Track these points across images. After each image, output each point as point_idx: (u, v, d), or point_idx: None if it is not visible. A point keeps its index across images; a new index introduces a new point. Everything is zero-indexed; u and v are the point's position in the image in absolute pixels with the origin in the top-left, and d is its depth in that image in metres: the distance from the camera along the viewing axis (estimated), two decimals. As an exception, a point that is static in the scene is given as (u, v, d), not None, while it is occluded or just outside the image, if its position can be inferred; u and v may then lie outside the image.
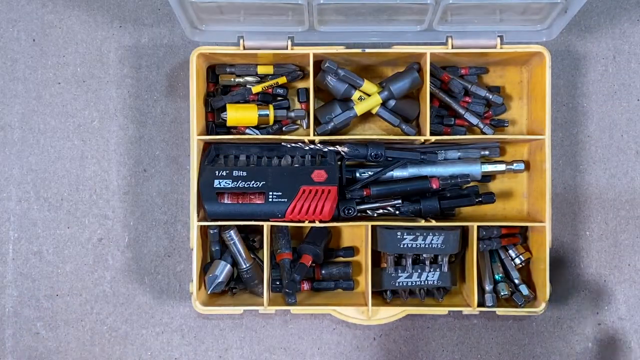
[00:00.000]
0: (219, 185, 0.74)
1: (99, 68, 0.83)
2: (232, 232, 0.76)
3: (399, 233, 0.74)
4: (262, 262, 0.76)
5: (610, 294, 0.82)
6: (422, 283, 0.77)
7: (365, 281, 0.79)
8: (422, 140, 0.77)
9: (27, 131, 0.83)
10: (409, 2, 0.71)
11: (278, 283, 0.79)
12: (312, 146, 0.77)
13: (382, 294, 0.79)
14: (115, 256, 0.83)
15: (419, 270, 0.76)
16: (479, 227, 0.77)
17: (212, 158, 0.77)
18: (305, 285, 0.80)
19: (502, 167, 0.80)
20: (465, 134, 0.80)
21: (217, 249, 0.78)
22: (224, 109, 0.78)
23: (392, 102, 0.78)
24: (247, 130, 0.79)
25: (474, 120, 0.79)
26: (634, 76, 0.83)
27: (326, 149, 0.77)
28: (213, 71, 0.80)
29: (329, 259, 0.81)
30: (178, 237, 0.82)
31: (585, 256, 0.82)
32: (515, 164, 0.80)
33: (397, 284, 0.76)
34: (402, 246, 0.75)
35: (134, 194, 0.83)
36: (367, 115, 0.80)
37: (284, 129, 0.81)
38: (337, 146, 0.77)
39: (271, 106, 0.79)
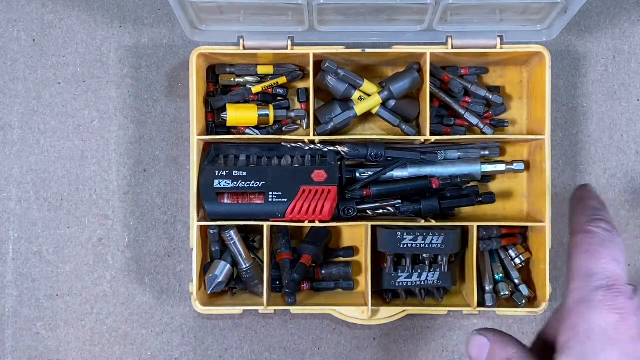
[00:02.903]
0: (219, 185, 0.74)
1: (99, 68, 0.83)
2: (232, 232, 0.76)
3: (399, 233, 0.74)
4: (262, 262, 0.76)
5: (610, 294, 0.82)
6: (422, 283, 0.77)
7: (365, 281, 0.79)
8: (422, 140, 0.77)
9: (27, 131, 0.83)
10: (409, 2, 0.71)
11: (278, 283, 0.79)
12: (312, 146, 0.77)
13: (382, 294, 0.79)
14: (115, 256, 0.83)
15: (419, 270, 0.76)
16: (479, 227, 0.77)
17: (212, 158, 0.77)
18: (305, 285, 0.80)
19: (502, 167, 0.80)
20: (465, 134, 0.80)
21: (217, 249, 0.78)
22: (224, 109, 0.78)
23: (392, 102, 0.78)
24: (247, 130, 0.79)
25: (474, 120, 0.79)
26: (634, 76, 0.83)
27: (326, 149, 0.77)
28: (213, 71, 0.80)
29: (329, 259, 0.81)
30: (178, 237, 0.83)
31: (585, 256, 0.82)
32: (515, 164, 0.80)
33: (397, 284, 0.76)
34: (402, 246, 0.75)
35: (134, 194, 0.83)
36: (367, 115, 0.80)
37: (284, 129, 0.81)
38: (337, 146, 0.77)
39: (271, 106, 0.79)
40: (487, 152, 0.80)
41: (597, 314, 0.45)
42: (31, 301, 0.82)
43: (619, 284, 0.46)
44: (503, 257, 0.79)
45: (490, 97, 0.80)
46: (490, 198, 0.79)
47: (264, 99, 0.80)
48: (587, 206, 0.52)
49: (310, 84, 0.77)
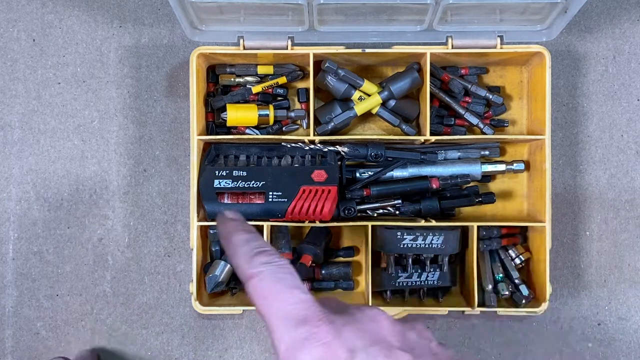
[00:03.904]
0: (219, 185, 0.74)
1: (99, 68, 0.83)
2: (232, 232, 0.76)
3: (399, 233, 0.74)
4: (262, 262, 0.76)
5: (610, 294, 0.82)
6: (422, 283, 0.77)
7: (365, 281, 0.79)
8: (422, 140, 0.77)
9: (27, 131, 0.83)
10: (409, 2, 0.71)
11: (278, 283, 0.79)
12: (312, 146, 0.77)
13: (382, 294, 0.79)
14: (115, 256, 0.83)
15: (419, 270, 0.76)
16: (479, 227, 0.77)
17: (212, 158, 0.77)
18: (306, 285, 0.79)
19: (502, 167, 0.80)
20: (465, 134, 0.80)
21: (217, 249, 0.78)
22: (224, 109, 0.78)
23: (392, 102, 0.78)
24: (247, 130, 0.79)
25: (474, 120, 0.79)
26: (634, 76, 0.83)
27: (326, 149, 0.77)
28: (213, 71, 0.80)
29: (329, 259, 0.81)
30: (178, 237, 0.83)
31: (585, 256, 0.82)
32: (515, 164, 0.80)
33: (397, 284, 0.76)
34: (402, 246, 0.75)
35: (134, 194, 0.83)
36: (367, 115, 0.80)
37: (284, 129, 0.81)
38: (337, 146, 0.77)
39: (271, 106, 0.79)
40: (487, 152, 0.80)
41: (305, 355, 0.44)
42: (31, 301, 0.82)
43: (312, 313, 0.45)
44: (503, 257, 0.79)
45: (490, 97, 0.80)
46: (490, 198, 0.79)
47: (264, 99, 0.80)
48: (237, 244, 0.50)
49: (310, 84, 0.77)
